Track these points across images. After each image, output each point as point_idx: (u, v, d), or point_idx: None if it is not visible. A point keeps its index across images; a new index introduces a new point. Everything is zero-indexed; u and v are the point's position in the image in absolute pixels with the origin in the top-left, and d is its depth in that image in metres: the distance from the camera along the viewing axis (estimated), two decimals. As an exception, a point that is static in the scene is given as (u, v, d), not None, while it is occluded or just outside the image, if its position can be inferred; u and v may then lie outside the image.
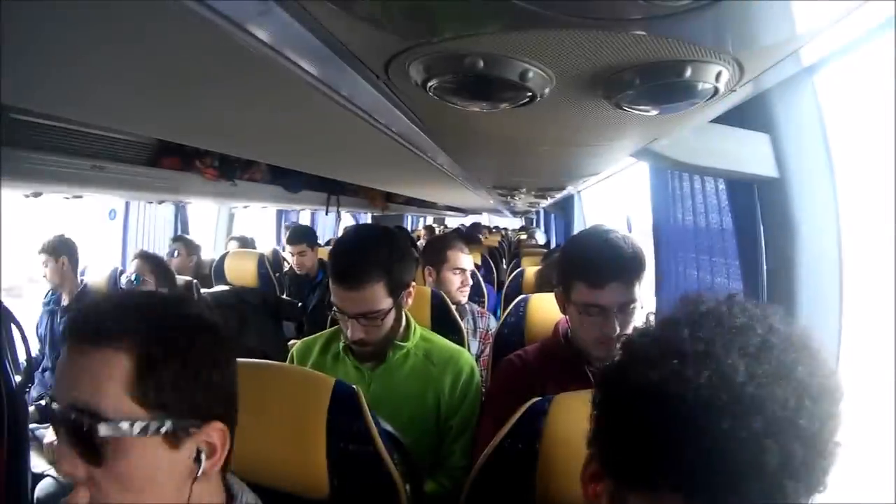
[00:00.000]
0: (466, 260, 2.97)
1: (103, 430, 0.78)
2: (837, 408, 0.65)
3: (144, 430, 0.80)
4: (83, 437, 0.78)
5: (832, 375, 0.68)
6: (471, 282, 2.99)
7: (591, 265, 1.50)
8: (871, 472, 1.37)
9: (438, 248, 3.00)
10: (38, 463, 2.42)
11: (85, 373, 0.80)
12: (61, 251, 3.38)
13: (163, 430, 0.81)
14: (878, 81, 1.16)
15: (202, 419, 0.86)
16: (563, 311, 1.63)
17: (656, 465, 0.66)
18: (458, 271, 2.92)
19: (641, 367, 0.67)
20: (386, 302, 1.61)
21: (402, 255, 1.66)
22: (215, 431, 0.88)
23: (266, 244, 5.68)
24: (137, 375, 0.80)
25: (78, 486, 0.80)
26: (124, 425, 0.79)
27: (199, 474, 0.87)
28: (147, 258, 2.97)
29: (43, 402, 2.76)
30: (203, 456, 0.87)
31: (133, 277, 2.89)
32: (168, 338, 0.84)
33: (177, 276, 3.33)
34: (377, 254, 1.59)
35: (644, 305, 1.52)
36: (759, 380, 0.63)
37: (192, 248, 4.40)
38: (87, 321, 0.83)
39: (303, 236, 4.12)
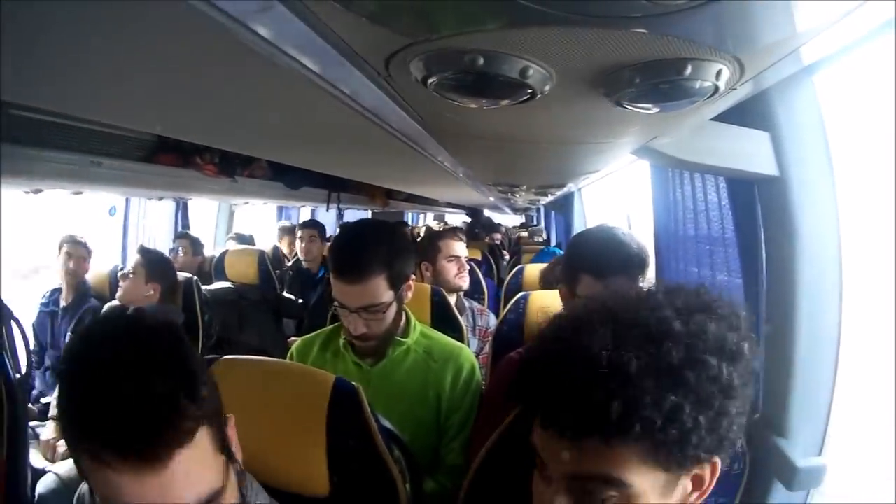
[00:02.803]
0: (459, 247, 2.97)
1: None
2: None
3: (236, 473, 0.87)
4: None
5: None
6: (467, 268, 2.99)
7: (597, 258, 1.52)
8: (871, 471, 1.37)
9: (431, 241, 3.01)
10: (37, 460, 2.43)
11: (184, 478, 0.78)
12: (76, 254, 3.40)
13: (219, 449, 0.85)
14: (878, 80, 1.16)
15: (225, 419, 0.90)
16: (567, 308, 1.63)
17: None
18: (452, 259, 2.92)
19: None
20: (387, 295, 1.61)
21: (402, 247, 1.67)
22: (232, 427, 0.92)
23: (266, 241, 5.67)
24: (217, 437, 0.84)
25: None
26: (225, 474, 0.85)
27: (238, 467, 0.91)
28: (142, 252, 2.96)
29: (43, 401, 2.78)
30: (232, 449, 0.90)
31: (129, 272, 2.89)
32: (211, 397, 0.84)
33: (177, 273, 3.33)
34: (377, 247, 1.59)
35: None
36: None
37: (196, 246, 4.39)
38: (163, 428, 0.76)
39: (314, 224, 4.49)
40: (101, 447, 0.73)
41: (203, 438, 0.81)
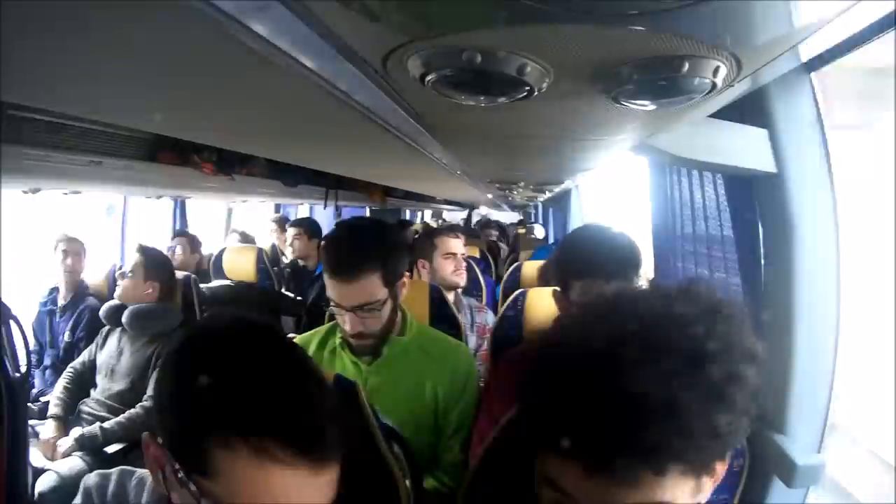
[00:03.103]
0: (456, 244, 2.97)
1: None
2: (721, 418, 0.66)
3: None
4: None
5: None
6: (464, 264, 2.99)
7: (589, 265, 1.49)
8: (872, 471, 1.37)
9: (427, 239, 3.01)
10: (37, 458, 2.43)
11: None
12: (72, 251, 3.40)
13: None
14: (877, 78, 1.16)
15: None
16: (561, 310, 1.62)
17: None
18: (449, 256, 2.92)
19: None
20: (382, 292, 1.61)
21: (395, 245, 1.67)
22: None
23: (265, 239, 5.67)
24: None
25: None
26: None
27: None
28: (141, 251, 2.96)
29: (51, 407, 2.78)
30: None
31: (129, 272, 2.89)
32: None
33: (176, 272, 3.33)
34: (370, 245, 1.59)
35: None
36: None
37: (195, 245, 4.39)
38: (320, 432, 0.77)
39: (299, 222, 4.65)
40: (280, 445, 0.72)
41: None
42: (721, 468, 0.75)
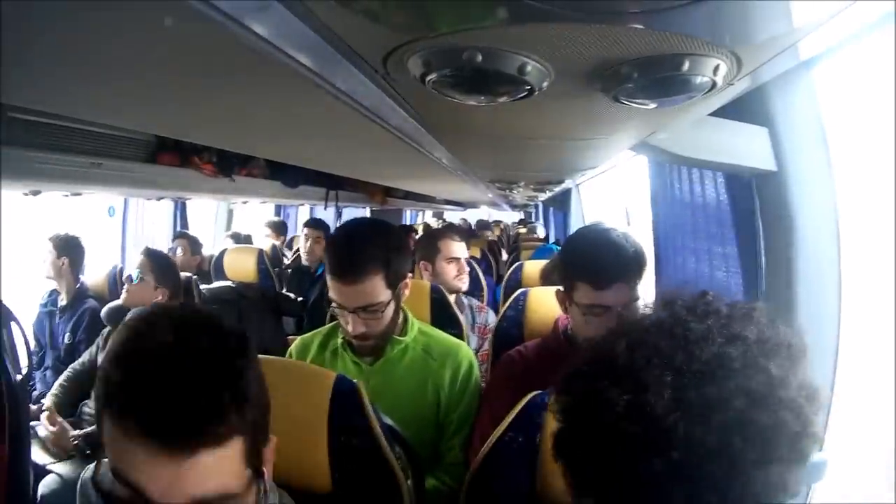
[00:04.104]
0: (459, 248, 2.96)
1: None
2: (797, 445, 0.60)
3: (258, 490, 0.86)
4: None
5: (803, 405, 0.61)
6: (467, 268, 2.98)
7: (594, 266, 1.49)
8: (872, 471, 1.37)
9: (430, 241, 3.00)
10: (38, 458, 2.43)
11: (211, 473, 0.78)
12: (65, 251, 3.39)
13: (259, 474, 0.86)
14: (876, 75, 1.16)
15: (267, 439, 0.91)
16: (566, 311, 1.63)
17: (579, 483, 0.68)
18: (451, 260, 2.91)
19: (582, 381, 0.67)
20: (385, 294, 1.61)
21: (399, 246, 1.67)
22: (271, 448, 0.93)
23: (265, 240, 5.67)
24: (249, 446, 0.82)
25: None
26: (247, 485, 0.83)
27: (265, 488, 0.89)
28: (151, 256, 2.96)
29: (45, 401, 2.77)
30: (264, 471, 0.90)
31: (135, 275, 2.88)
32: (259, 396, 0.85)
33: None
34: (374, 246, 1.59)
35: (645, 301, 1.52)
36: (685, 411, 0.59)
37: (195, 246, 4.39)
38: (193, 427, 0.76)
39: (321, 224, 4.45)
40: (134, 423, 0.74)
41: (234, 447, 0.80)
42: None
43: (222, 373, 0.80)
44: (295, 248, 5.48)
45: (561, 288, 1.60)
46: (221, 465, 0.79)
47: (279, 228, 5.97)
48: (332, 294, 1.61)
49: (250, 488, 0.86)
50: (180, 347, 0.79)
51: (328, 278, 1.61)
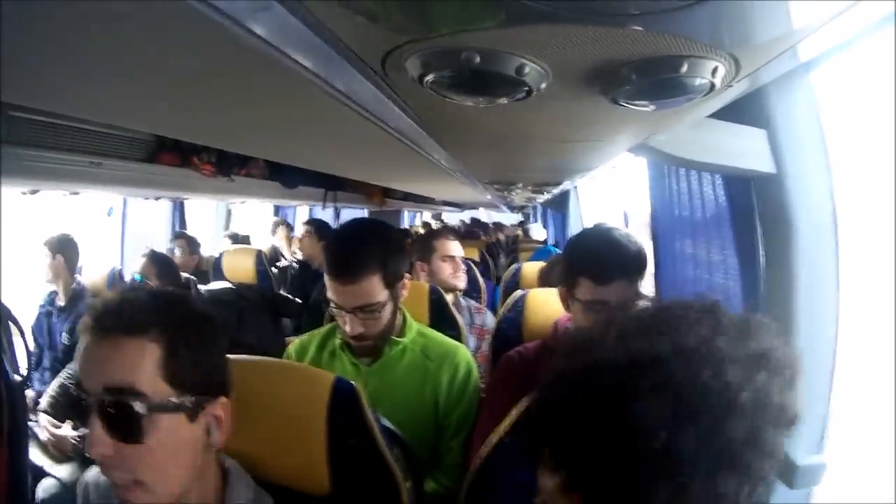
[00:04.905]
0: (455, 247, 2.98)
1: (142, 408, 0.89)
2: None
3: (175, 408, 0.93)
4: (122, 417, 0.89)
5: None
6: (463, 267, 3.00)
7: (596, 262, 1.52)
8: (872, 471, 1.37)
9: (426, 241, 3.02)
10: (36, 459, 2.42)
11: (123, 358, 0.91)
12: (59, 250, 3.38)
13: (187, 405, 0.94)
14: (875, 77, 1.16)
15: (213, 395, 0.99)
16: (567, 308, 1.64)
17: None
18: (447, 259, 2.93)
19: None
20: (382, 294, 1.61)
21: (396, 247, 1.67)
22: (222, 406, 1.00)
23: (264, 241, 5.67)
24: (167, 360, 0.93)
25: (109, 466, 0.91)
26: (160, 403, 0.91)
27: (214, 444, 1.00)
28: (154, 259, 2.96)
29: (42, 402, 2.77)
30: (212, 429, 0.99)
31: (137, 277, 2.89)
32: (187, 327, 0.97)
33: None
34: (371, 246, 1.59)
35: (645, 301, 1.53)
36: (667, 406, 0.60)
37: (193, 246, 4.39)
38: (121, 313, 0.93)
39: (311, 221, 4.92)
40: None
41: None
42: None
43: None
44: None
45: (564, 288, 1.61)
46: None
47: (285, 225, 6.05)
48: (329, 294, 1.61)
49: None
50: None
51: (326, 278, 1.61)
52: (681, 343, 0.64)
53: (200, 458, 0.99)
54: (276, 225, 5.95)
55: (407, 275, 1.73)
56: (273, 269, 4.41)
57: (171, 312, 0.97)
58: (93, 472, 1.17)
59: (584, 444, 0.65)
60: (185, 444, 0.96)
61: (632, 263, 1.51)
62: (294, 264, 4.82)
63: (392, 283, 1.63)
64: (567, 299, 1.61)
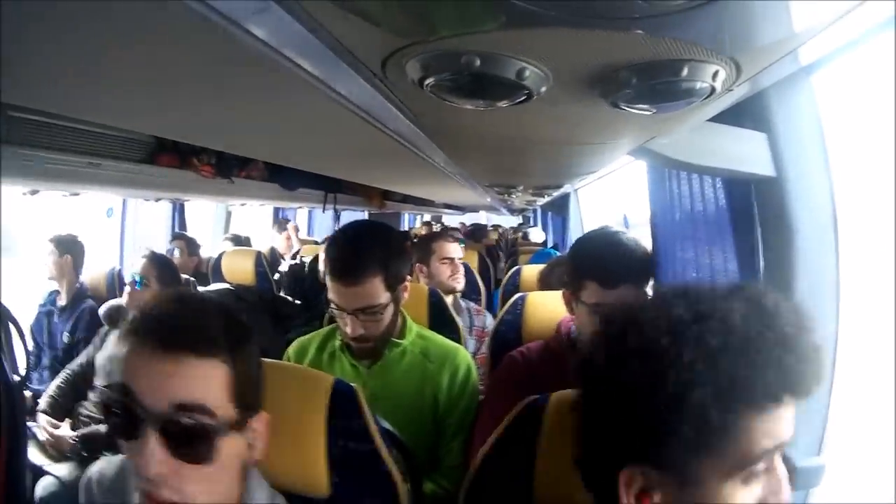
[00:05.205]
0: (454, 248, 2.99)
1: (215, 428, 0.90)
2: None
3: (237, 426, 0.94)
4: (192, 436, 0.89)
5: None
6: (462, 269, 3.01)
7: (603, 266, 1.52)
8: (872, 471, 1.37)
9: (425, 243, 3.03)
10: (35, 459, 2.42)
11: (195, 379, 0.90)
12: (67, 249, 3.39)
13: (243, 422, 0.96)
14: (876, 81, 1.16)
15: (257, 410, 1.01)
16: (571, 311, 1.64)
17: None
18: (446, 261, 2.93)
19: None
20: (384, 296, 1.61)
21: (398, 249, 1.67)
22: (262, 419, 1.02)
23: (263, 242, 5.68)
24: (232, 380, 0.93)
25: (161, 484, 0.88)
26: (228, 422, 0.92)
27: (255, 457, 1.01)
28: (154, 260, 2.95)
29: (41, 403, 2.77)
30: (253, 443, 1.00)
31: (137, 279, 2.88)
32: (247, 347, 0.99)
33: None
34: (373, 248, 1.60)
35: None
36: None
37: (192, 247, 4.39)
38: (187, 332, 0.91)
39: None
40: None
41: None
42: None
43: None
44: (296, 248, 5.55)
45: (568, 290, 1.62)
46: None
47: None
48: (331, 295, 1.61)
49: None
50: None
51: (328, 280, 1.61)
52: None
53: (241, 471, 1.01)
54: (282, 226, 5.98)
55: (408, 277, 1.74)
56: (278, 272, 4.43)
57: (236, 334, 0.97)
58: (96, 469, 1.16)
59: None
60: (237, 461, 0.97)
61: (638, 267, 1.52)
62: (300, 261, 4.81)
63: (394, 285, 1.64)
64: (572, 302, 1.61)
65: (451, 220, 13.51)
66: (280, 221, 6.11)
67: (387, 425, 1.34)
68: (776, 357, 0.69)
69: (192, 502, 0.90)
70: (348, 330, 1.62)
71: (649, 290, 1.61)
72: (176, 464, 0.87)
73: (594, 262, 1.55)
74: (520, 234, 9.81)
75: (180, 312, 0.94)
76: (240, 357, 0.95)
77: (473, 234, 8.25)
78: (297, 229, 6.01)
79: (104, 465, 1.17)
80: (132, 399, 0.87)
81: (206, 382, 0.90)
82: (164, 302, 0.96)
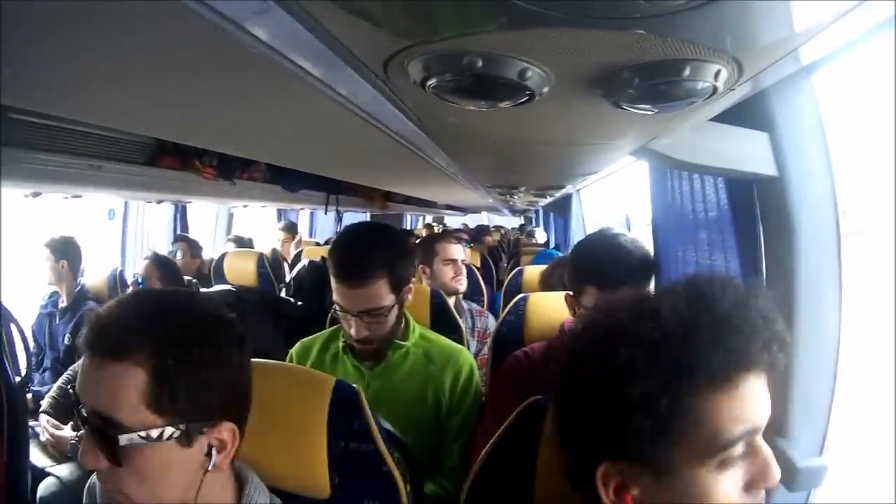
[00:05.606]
0: (456, 250, 2.99)
1: (122, 439, 0.85)
2: None
3: (160, 438, 0.87)
4: (104, 441, 0.87)
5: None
6: (464, 270, 3.00)
7: (602, 270, 1.53)
8: (871, 471, 1.37)
9: (428, 245, 3.02)
10: (37, 460, 2.42)
11: (105, 384, 0.87)
12: (63, 254, 3.39)
13: (175, 435, 0.89)
14: (877, 80, 1.16)
15: (213, 419, 0.93)
16: (574, 314, 1.64)
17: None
18: (449, 262, 2.93)
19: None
20: (389, 298, 1.61)
21: (403, 251, 1.67)
22: (226, 430, 0.95)
23: (266, 244, 5.68)
24: (153, 387, 0.87)
25: (104, 481, 0.92)
26: (141, 435, 0.86)
27: (209, 467, 0.94)
28: (157, 262, 2.95)
29: (43, 403, 2.77)
30: (214, 451, 0.94)
31: (140, 280, 2.88)
32: (182, 347, 0.89)
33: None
34: (379, 250, 1.59)
35: None
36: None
37: (195, 249, 4.39)
38: (105, 334, 0.88)
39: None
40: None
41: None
42: None
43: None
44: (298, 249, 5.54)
45: (570, 293, 1.62)
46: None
47: (291, 229, 6.08)
48: (335, 297, 1.61)
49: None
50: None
51: (332, 281, 1.61)
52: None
53: (198, 477, 0.94)
54: (289, 229, 6.01)
55: (413, 280, 1.74)
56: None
57: (162, 331, 0.89)
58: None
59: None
60: (178, 468, 0.92)
61: (637, 270, 1.52)
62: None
63: (399, 287, 1.64)
64: (574, 306, 1.62)
65: (453, 221, 13.50)
66: (288, 226, 6.11)
67: (388, 426, 1.34)
68: (712, 337, 0.73)
69: (134, 499, 0.90)
70: (352, 332, 1.62)
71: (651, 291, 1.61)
72: (107, 462, 0.88)
73: (592, 267, 1.56)
74: (524, 234, 9.82)
75: (112, 315, 0.91)
76: (167, 359, 0.87)
77: (476, 235, 8.26)
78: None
79: None
80: (76, 399, 0.90)
81: (113, 390, 0.86)
82: (109, 305, 0.94)
